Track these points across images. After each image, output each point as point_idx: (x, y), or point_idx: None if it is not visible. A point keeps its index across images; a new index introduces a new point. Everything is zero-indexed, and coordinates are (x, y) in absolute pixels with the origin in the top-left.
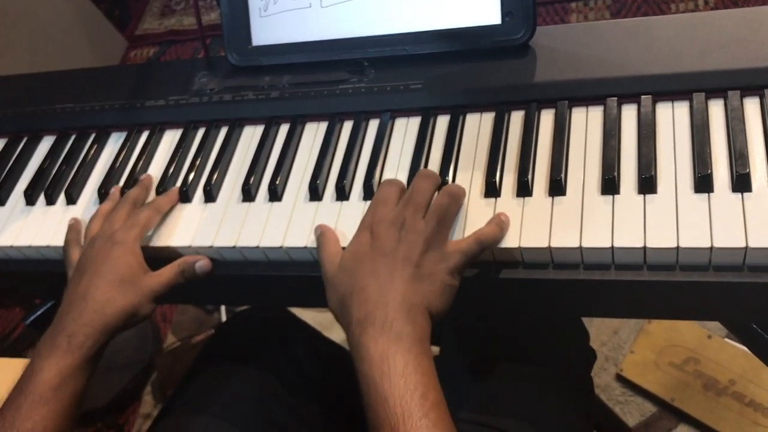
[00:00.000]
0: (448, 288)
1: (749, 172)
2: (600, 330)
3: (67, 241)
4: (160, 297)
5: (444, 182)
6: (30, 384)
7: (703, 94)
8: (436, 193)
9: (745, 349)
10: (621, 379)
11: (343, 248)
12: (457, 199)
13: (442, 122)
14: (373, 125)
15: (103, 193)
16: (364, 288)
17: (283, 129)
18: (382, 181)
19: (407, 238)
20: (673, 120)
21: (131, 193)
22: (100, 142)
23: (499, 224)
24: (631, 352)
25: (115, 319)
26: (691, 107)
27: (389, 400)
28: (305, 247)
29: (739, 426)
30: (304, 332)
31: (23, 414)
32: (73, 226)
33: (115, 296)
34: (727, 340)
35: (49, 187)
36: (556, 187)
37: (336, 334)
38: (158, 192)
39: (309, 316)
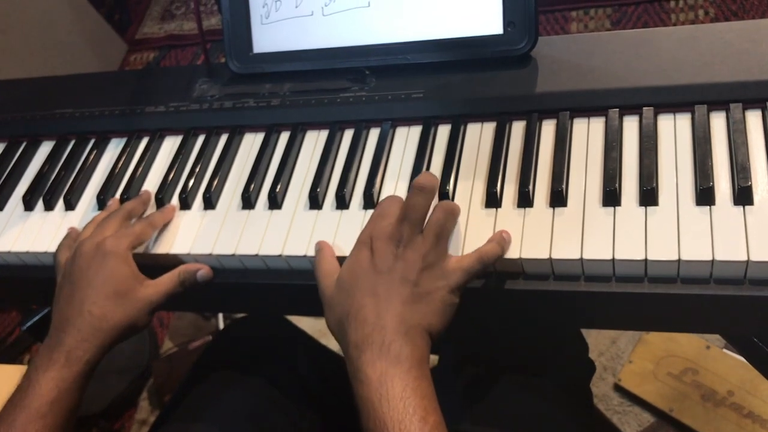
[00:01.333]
0: (448, 307)
1: (751, 185)
2: (598, 340)
3: (60, 245)
4: (158, 307)
5: (444, 191)
6: (27, 398)
7: (705, 106)
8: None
9: (744, 360)
10: (619, 389)
11: (340, 257)
12: (453, 214)
13: (443, 132)
14: (374, 134)
15: (102, 199)
16: (361, 309)
17: (284, 137)
18: (382, 189)
19: (405, 256)
20: (674, 132)
21: (127, 205)
22: (100, 148)
23: (501, 242)
24: (629, 362)
25: (113, 334)
26: (692, 119)
27: (388, 424)
28: (305, 256)
29: None
30: (302, 340)
31: (18, 428)
32: (70, 234)
33: (113, 310)
34: (725, 351)
35: (47, 192)
36: (557, 199)
37: (334, 342)
38: (157, 199)
39: (307, 323)
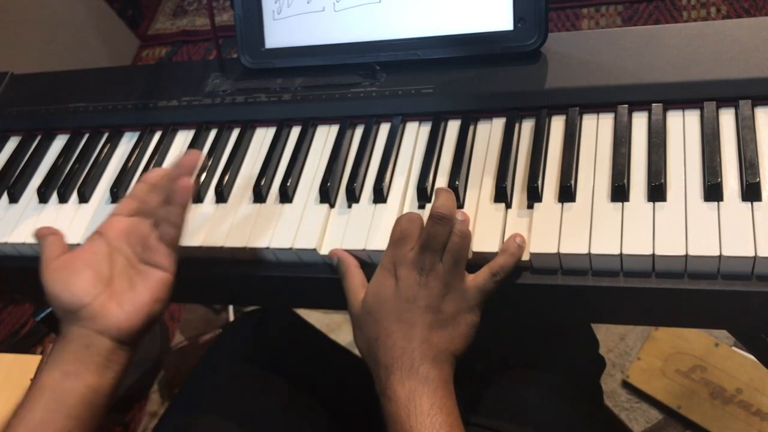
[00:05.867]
0: (471, 328)
1: (759, 181)
2: (606, 336)
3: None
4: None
5: (454, 186)
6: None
7: (714, 102)
8: None
9: (753, 357)
10: (627, 385)
11: (351, 251)
12: (469, 237)
13: (453, 127)
14: (384, 129)
15: (115, 192)
16: (389, 334)
17: (295, 131)
18: (392, 184)
19: (428, 284)
20: (683, 128)
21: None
22: (113, 142)
23: (513, 251)
24: (637, 359)
25: None
26: (701, 116)
27: None
28: (315, 249)
29: None
30: (310, 334)
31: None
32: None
33: None
34: (734, 348)
35: (62, 185)
36: (566, 194)
37: (342, 336)
38: None
39: (315, 317)
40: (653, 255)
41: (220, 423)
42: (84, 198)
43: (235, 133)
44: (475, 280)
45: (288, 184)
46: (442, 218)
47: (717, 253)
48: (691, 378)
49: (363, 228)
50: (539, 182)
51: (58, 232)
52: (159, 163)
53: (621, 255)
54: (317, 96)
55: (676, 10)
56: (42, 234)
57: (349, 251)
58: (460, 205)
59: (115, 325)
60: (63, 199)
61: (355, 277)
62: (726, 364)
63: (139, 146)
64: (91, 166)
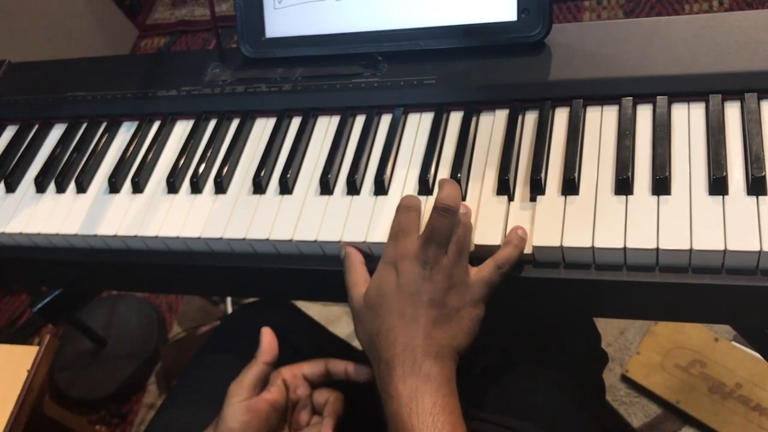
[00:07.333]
0: (475, 323)
1: (765, 175)
2: (606, 330)
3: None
4: None
5: (456, 178)
6: None
7: (720, 95)
8: None
9: (752, 352)
10: (626, 380)
11: (353, 242)
12: (471, 227)
13: (456, 118)
14: (386, 120)
15: (113, 182)
16: (391, 329)
17: (295, 122)
18: (393, 176)
19: (432, 277)
20: (688, 121)
21: None
22: (112, 131)
23: (517, 242)
24: (636, 353)
25: None
26: (707, 109)
27: None
28: (315, 241)
29: (745, 430)
30: (309, 326)
31: None
32: None
33: None
34: (734, 343)
35: (59, 175)
36: (570, 186)
37: (341, 329)
38: (168, 183)
39: (314, 310)
40: (657, 249)
41: (218, 415)
42: (82, 188)
43: (235, 123)
44: (480, 273)
45: (288, 175)
46: (447, 210)
47: (722, 248)
48: (691, 373)
49: (364, 220)
50: (542, 175)
51: (274, 341)
52: (157, 153)
53: (624, 249)
54: (318, 86)
55: (678, 3)
56: (264, 350)
57: (353, 243)
58: (462, 198)
59: None
60: (60, 189)
61: (357, 272)
62: (725, 359)
63: (138, 136)
64: (89, 155)
